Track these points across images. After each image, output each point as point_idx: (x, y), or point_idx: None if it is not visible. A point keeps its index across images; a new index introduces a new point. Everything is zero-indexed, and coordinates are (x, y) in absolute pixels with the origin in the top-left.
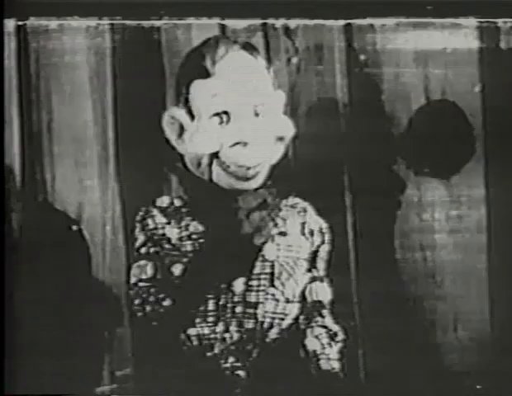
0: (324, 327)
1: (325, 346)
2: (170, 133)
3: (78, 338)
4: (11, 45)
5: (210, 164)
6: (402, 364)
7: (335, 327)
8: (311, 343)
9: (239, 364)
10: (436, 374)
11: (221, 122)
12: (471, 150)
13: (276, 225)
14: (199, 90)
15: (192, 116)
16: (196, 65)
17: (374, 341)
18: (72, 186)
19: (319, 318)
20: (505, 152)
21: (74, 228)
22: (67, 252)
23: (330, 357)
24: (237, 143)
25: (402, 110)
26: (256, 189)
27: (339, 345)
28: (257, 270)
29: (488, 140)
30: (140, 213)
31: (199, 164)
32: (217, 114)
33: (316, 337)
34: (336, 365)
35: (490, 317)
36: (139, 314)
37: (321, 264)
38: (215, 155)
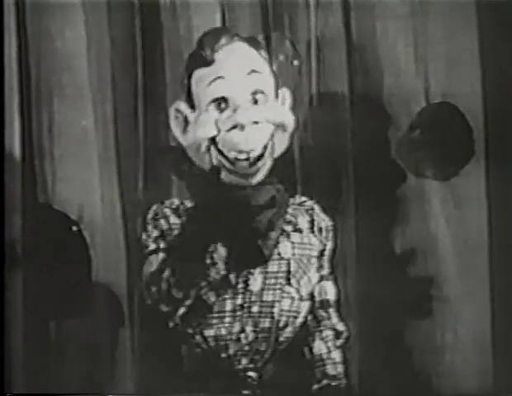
0: (332, 328)
1: (331, 348)
2: (175, 128)
3: (78, 338)
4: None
5: (208, 150)
6: (400, 365)
7: (341, 327)
8: (318, 346)
9: (251, 365)
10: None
11: (219, 108)
12: (471, 152)
13: (290, 222)
14: (199, 79)
15: (194, 107)
16: (198, 56)
17: (372, 342)
18: (72, 187)
19: (327, 321)
20: (505, 153)
21: (74, 228)
22: (67, 252)
23: (336, 361)
24: (234, 127)
25: (403, 113)
26: (262, 184)
27: (342, 342)
28: (274, 268)
29: (488, 142)
30: (152, 211)
31: (198, 151)
32: (216, 100)
33: (323, 339)
34: (340, 368)
35: (491, 317)
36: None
37: (327, 262)
38: (212, 140)
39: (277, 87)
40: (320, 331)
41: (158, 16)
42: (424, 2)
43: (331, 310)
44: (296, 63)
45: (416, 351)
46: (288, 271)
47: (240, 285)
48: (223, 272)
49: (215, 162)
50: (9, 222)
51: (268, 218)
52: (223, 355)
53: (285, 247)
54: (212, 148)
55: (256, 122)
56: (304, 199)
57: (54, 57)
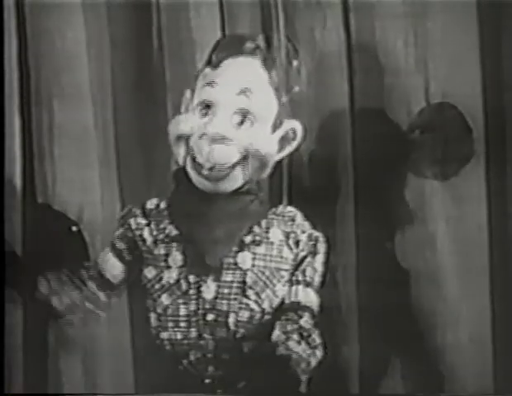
0: (300, 326)
1: (295, 344)
2: (183, 109)
3: (77, 338)
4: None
5: (183, 144)
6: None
7: (312, 330)
8: (278, 337)
9: (218, 372)
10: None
11: (203, 112)
12: (471, 152)
13: (254, 233)
14: (202, 77)
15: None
16: (209, 56)
17: (371, 342)
18: (72, 187)
19: (295, 317)
20: (505, 153)
21: (74, 228)
22: (66, 252)
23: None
24: (204, 135)
25: (403, 113)
26: (235, 193)
27: (318, 354)
28: (228, 278)
29: (488, 142)
30: (122, 213)
31: (176, 141)
32: (202, 103)
33: (285, 333)
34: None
35: (491, 317)
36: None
37: (309, 272)
38: (185, 140)
39: (280, 118)
40: (286, 323)
41: (159, 16)
42: (424, 1)
43: (306, 314)
44: (295, 63)
45: (415, 351)
46: (244, 282)
47: (192, 292)
48: (175, 277)
49: (187, 159)
50: (9, 222)
51: (229, 229)
52: (184, 360)
53: (243, 258)
54: (186, 146)
55: (225, 138)
56: (289, 209)
57: (54, 57)
